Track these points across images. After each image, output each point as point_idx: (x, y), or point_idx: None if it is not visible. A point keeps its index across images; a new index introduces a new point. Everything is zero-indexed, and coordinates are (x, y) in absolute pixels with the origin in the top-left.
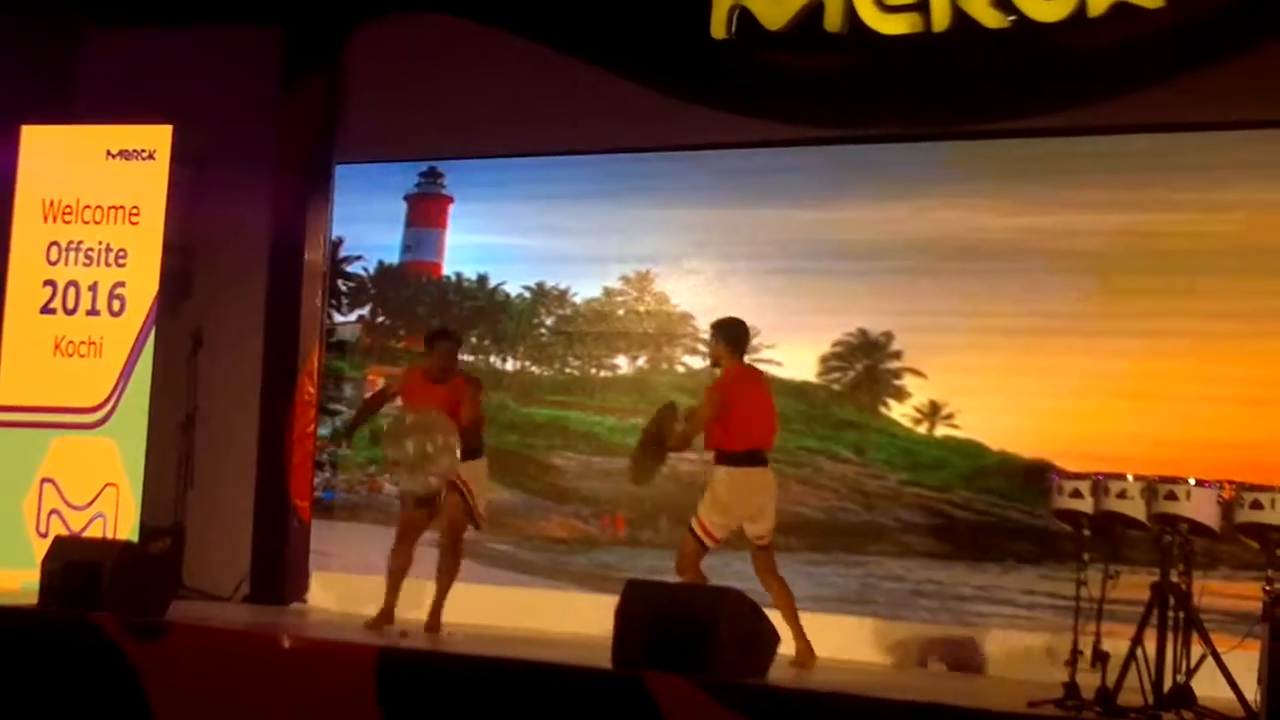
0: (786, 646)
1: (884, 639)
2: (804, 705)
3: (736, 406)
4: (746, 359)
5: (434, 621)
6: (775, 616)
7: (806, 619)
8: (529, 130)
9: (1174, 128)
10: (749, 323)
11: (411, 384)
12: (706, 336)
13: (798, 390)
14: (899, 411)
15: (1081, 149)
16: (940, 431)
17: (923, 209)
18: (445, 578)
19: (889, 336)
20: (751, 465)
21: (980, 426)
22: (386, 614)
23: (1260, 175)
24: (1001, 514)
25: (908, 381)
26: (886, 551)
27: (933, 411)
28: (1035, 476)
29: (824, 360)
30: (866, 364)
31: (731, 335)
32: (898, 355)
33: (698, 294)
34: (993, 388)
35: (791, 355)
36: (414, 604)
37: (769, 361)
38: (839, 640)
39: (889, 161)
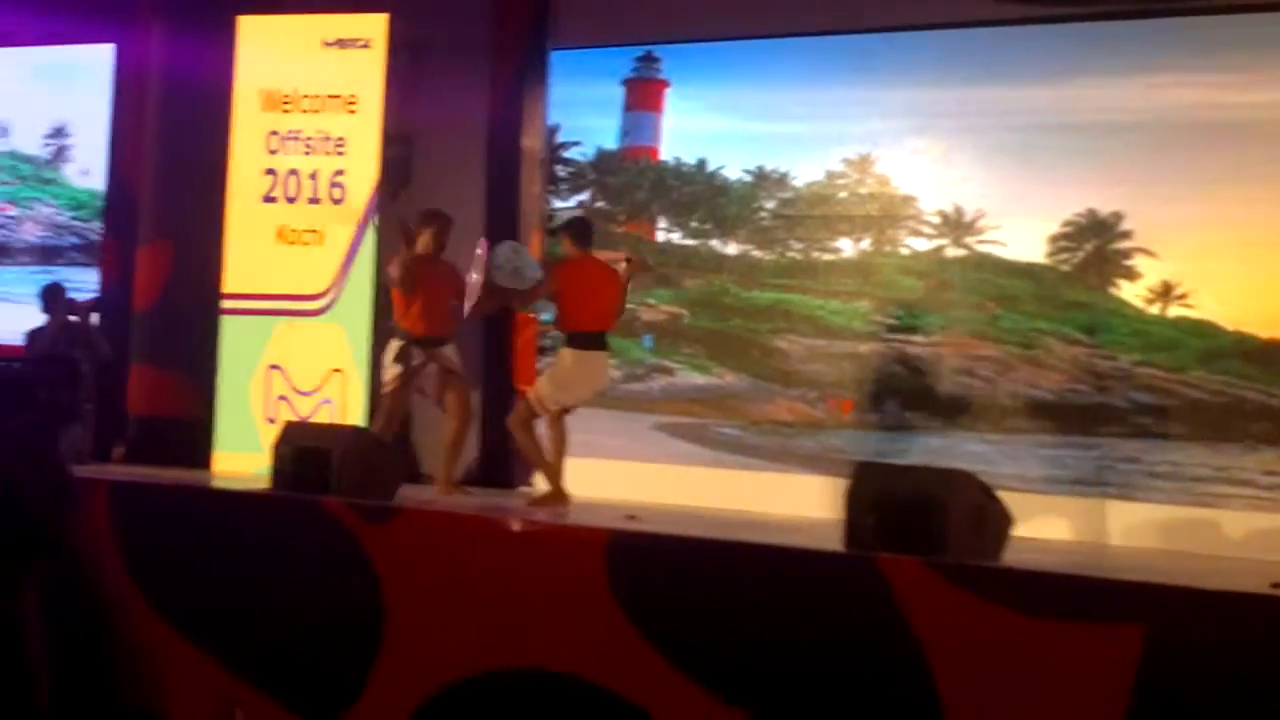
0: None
1: (1120, 520)
2: (1041, 585)
3: (571, 293)
4: (971, 240)
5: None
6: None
7: (1040, 500)
8: (747, 12)
9: None
10: (974, 204)
11: (421, 268)
12: (930, 218)
13: (1025, 271)
14: (1130, 292)
15: None
16: (1173, 312)
17: (1154, 86)
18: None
19: (1119, 216)
20: (590, 348)
21: (1214, 307)
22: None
23: None
24: (1239, 394)
25: (1138, 261)
26: (1120, 433)
27: (1165, 292)
28: (1273, 356)
29: (1052, 240)
30: (1096, 244)
31: (574, 231)
32: (1128, 235)
33: (920, 175)
34: (1227, 268)
35: (1018, 236)
36: (642, 488)
37: (993, 242)
38: (1074, 521)
39: (1120, 38)
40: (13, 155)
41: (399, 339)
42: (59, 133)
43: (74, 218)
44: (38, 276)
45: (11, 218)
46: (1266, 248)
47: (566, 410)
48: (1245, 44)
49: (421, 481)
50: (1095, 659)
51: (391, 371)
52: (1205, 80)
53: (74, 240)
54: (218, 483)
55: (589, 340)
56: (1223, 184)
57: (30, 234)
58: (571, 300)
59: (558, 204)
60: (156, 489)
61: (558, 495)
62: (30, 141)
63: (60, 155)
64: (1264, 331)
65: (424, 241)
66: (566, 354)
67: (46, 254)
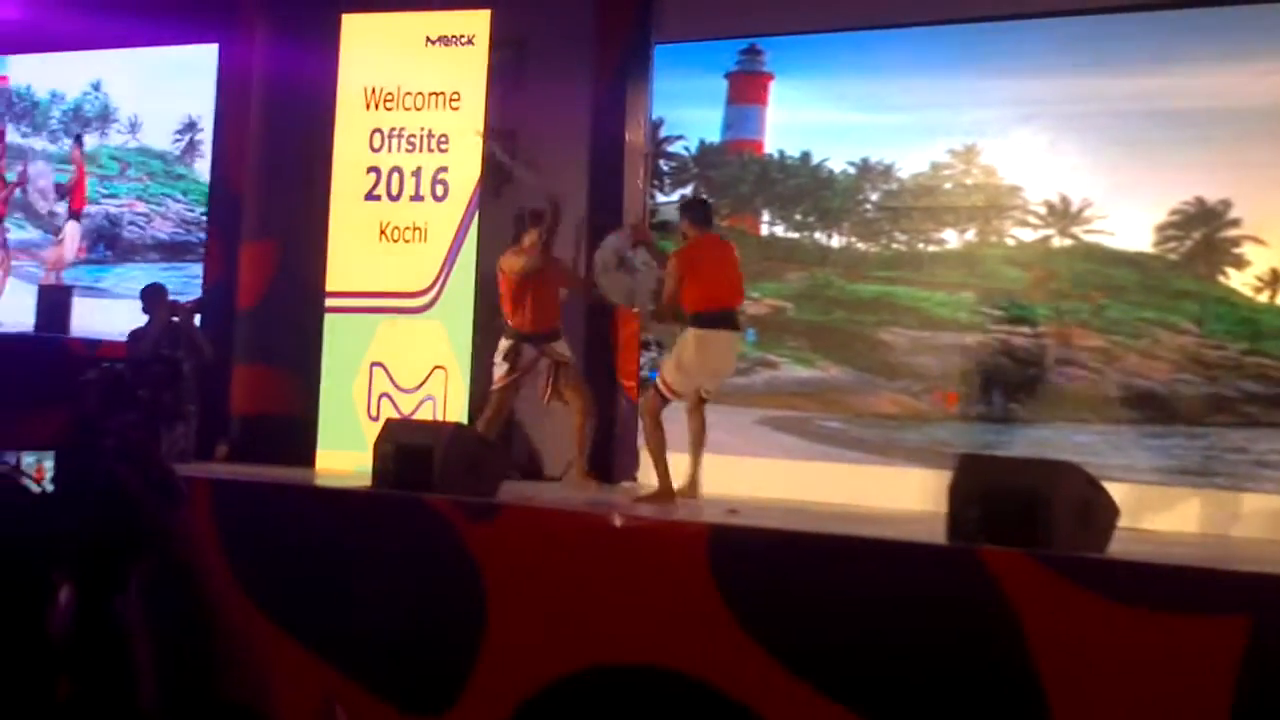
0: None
1: (1229, 510)
2: (1147, 576)
3: (694, 273)
4: (1078, 229)
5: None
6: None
7: (1147, 491)
8: (851, 3)
9: None
10: (1081, 193)
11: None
12: (1037, 208)
13: (1132, 260)
14: (1239, 280)
15: None
16: None
17: (1264, 73)
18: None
19: (1227, 204)
20: (717, 327)
21: None
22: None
23: None
24: None
25: (1248, 249)
26: (1228, 422)
27: (1274, 280)
28: None
29: (1159, 229)
30: (1204, 232)
31: (692, 213)
32: (1236, 223)
33: (1027, 165)
34: None
35: (1125, 225)
36: (744, 482)
37: (1100, 232)
38: (1182, 512)
39: (1227, 25)
40: (143, 151)
41: (508, 337)
42: (191, 127)
43: (204, 214)
44: (167, 274)
45: (141, 214)
46: None
47: (704, 398)
48: None
49: (541, 478)
50: (1200, 650)
51: (501, 369)
52: None
53: (203, 236)
54: (320, 481)
55: (713, 319)
56: None
57: (160, 230)
58: (692, 281)
59: (661, 198)
60: (259, 487)
61: (665, 494)
62: (161, 137)
63: (191, 150)
64: None
65: (531, 238)
66: (690, 335)
67: (176, 250)
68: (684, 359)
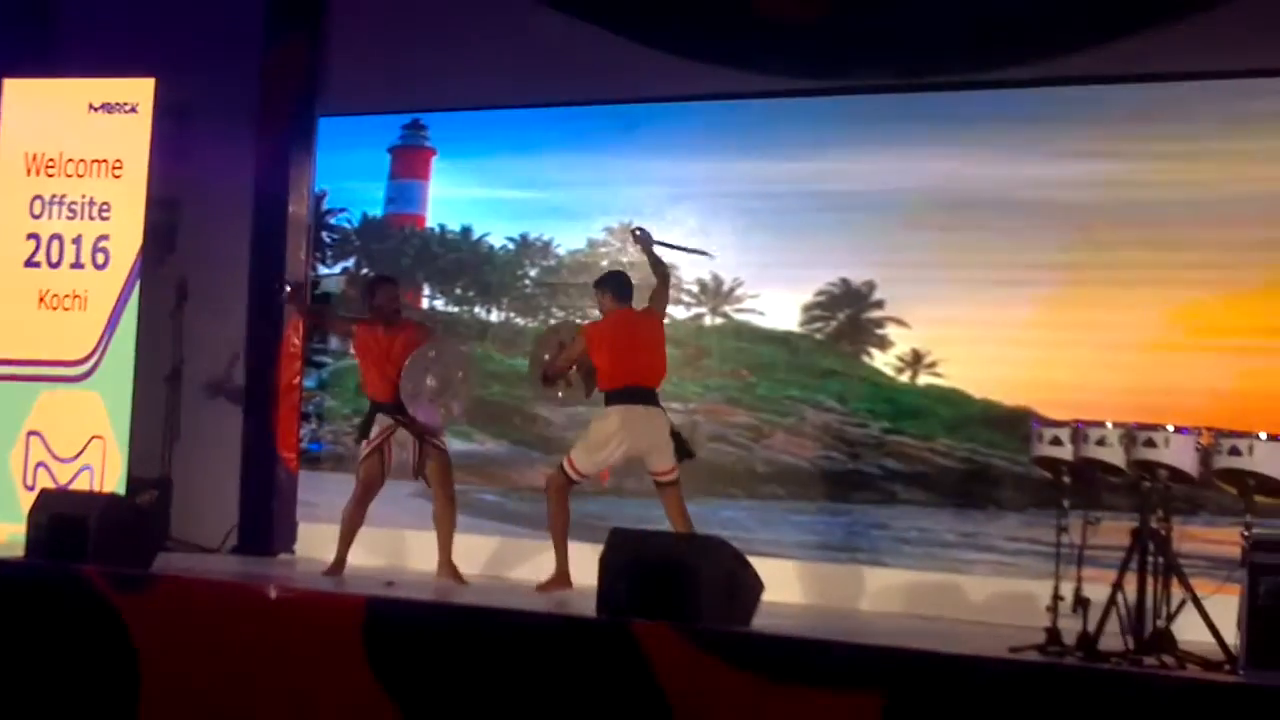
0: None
1: (868, 586)
2: (787, 651)
3: (608, 347)
4: (729, 308)
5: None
6: None
7: (792, 566)
8: (511, 82)
9: (1156, 78)
10: (731, 274)
11: (362, 337)
12: (690, 287)
13: (781, 340)
14: (882, 360)
15: (1065, 99)
16: (923, 380)
17: (906, 159)
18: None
19: (871, 286)
20: (630, 401)
21: (963, 375)
22: (339, 564)
23: (1240, 125)
24: (984, 461)
25: (890, 331)
26: (870, 499)
27: (915, 360)
28: (1017, 424)
29: (807, 309)
30: (849, 313)
31: (613, 285)
32: (880, 305)
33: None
34: (975, 337)
35: (774, 305)
36: (400, 554)
37: (750, 311)
38: (824, 587)
39: (872, 113)
40: None
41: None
42: None
43: None
44: None
45: None
46: (1011, 318)
47: (664, 482)
48: (990, 120)
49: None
50: None
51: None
52: (953, 154)
53: None
54: None
55: (623, 395)
56: (970, 254)
57: None
58: (600, 357)
59: (323, 270)
60: None
61: (563, 578)
62: None
63: None
64: (1009, 400)
65: (379, 305)
66: (609, 412)
67: None
68: (597, 437)
